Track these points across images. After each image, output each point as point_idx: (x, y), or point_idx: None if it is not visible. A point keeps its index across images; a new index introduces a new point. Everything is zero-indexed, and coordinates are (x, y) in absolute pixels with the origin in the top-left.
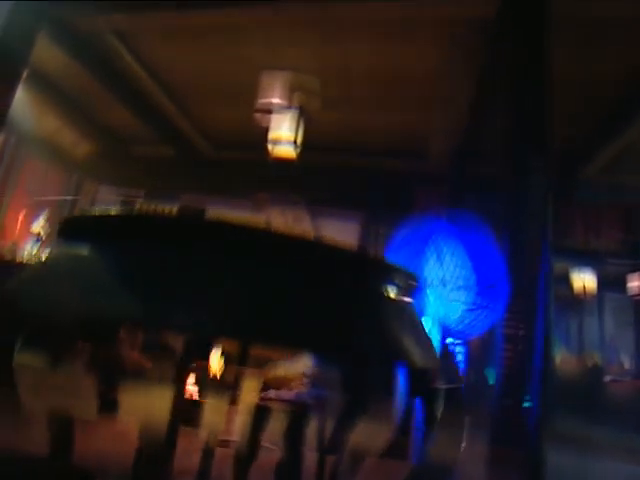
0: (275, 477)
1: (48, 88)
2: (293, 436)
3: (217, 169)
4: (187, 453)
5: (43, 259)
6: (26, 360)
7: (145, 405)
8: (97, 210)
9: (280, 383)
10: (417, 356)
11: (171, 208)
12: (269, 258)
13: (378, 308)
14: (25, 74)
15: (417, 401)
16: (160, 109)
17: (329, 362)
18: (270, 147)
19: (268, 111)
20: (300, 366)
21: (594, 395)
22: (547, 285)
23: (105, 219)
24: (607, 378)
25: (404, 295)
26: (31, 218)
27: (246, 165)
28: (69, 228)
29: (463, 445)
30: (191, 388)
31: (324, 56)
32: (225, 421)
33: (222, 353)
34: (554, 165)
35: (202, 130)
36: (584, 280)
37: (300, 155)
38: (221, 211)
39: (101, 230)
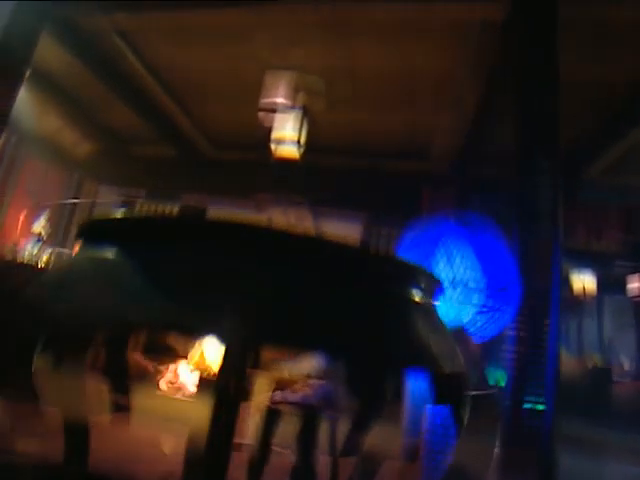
0: None
1: (49, 87)
2: (306, 439)
3: (218, 169)
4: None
5: (65, 262)
6: (47, 363)
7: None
8: (120, 212)
9: (287, 384)
10: (444, 361)
11: (172, 208)
12: (298, 262)
13: (405, 312)
14: (27, 73)
15: (444, 407)
16: (162, 108)
17: (356, 366)
18: (273, 147)
19: (272, 110)
20: (305, 367)
21: (597, 396)
22: (558, 286)
23: (130, 221)
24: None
25: (429, 298)
26: (32, 218)
27: (247, 165)
28: (92, 230)
29: (496, 452)
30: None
31: (329, 56)
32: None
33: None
34: (562, 166)
35: (204, 130)
36: (584, 281)
37: (303, 155)
38: (222, 211)
39: (127, 232)
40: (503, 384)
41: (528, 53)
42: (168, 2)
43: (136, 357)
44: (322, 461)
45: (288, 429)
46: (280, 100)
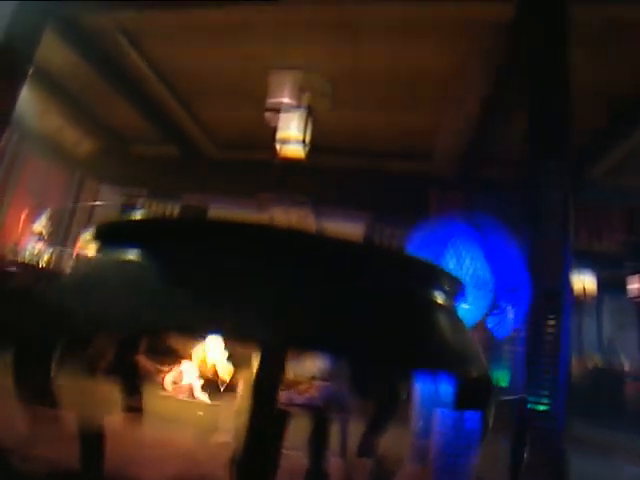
0: None
1: (51, 85)
2: (315, 441)
3: (221, 168)
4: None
5: (84, 264)
6: (65, 367)
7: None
8: (138, 214)
9: (292, 385)
10: (470, 365)
11: (174, 208)
12: (321, 264)
13: (431, 315)
14: (29, 72)
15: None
16: (164, 108)
17: (377, 369)
18: (278, 147)
19: (276, 110)
20: (309, 367)
21: (597, 396)
22: (569, 287)
23: (152, 223)
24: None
25: (452, 300)
26: (33, 217)
27: (250, 165)
28: (113, 232)
29: (525, 458)
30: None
31: (335, 56)
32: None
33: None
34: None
35: (206, 129)
36: (585, 281)
37: (307, 155)
38: (224, 211)
39: (150, 234)
40: (505, 384)
41: (539, 52)
42: (172, 1)
43: (141, 358)
44: (334, 463)
45: (297, 431)
46: (285, 100)
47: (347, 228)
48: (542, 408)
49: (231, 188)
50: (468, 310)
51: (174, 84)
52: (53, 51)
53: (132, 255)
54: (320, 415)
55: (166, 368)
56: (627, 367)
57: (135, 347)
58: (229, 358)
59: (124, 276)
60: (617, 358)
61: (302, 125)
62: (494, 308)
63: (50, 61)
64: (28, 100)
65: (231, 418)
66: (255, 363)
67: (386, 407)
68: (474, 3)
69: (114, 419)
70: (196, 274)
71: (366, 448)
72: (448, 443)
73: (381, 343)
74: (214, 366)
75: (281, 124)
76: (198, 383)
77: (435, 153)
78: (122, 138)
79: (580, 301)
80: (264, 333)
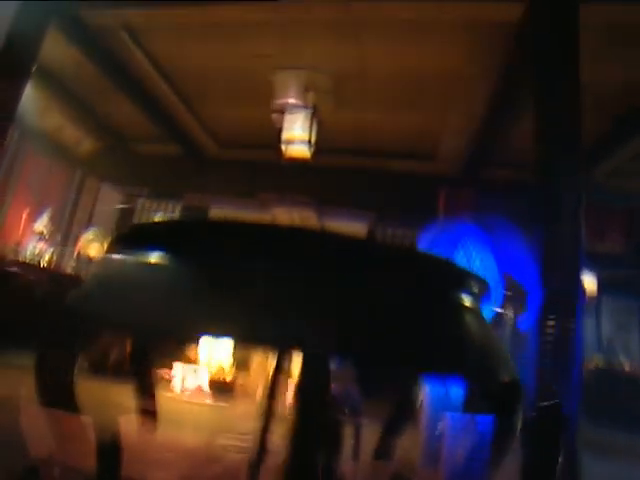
0: None
1: (52, 83)
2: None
3: (223, 168)
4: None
5: (111, 267)
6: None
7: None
8: (165, 217)
9: None
10: (500, 370)
11: (174, 207)
12: (363, 268)
13: (462, 319)
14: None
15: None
16: (166, 106)
17: (403, 372)
18: (283, 147)
19: (282, 111)
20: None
21: (598, 397)
22: (582, 288)
23: (185, 225)
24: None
25: (479, 304)
26: (34, 217)
27: (252, 164)
28: (143, 235)
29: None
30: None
31: (340, 55)
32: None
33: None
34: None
35: (208, 128)
36: (585, 282)
37: (312, 155)
38: (225, 211)
39: (183, 237)
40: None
41: (550, 52)
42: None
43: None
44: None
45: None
46: (290, 100)
47: (349, 228)
48: (554, 410)
49: (233, 188)
50: None
51: (177, 83)
52: (55, 48)
53: (166, 259)
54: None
55: (173, 370)
56: (627, 367)
57: (152, 350)
58: (235, 360)
59: (157, 280)
60: (617, 358)
61: (307, 125)
62: (504, 309)
63: (52, 59)
64: (29, 98)
65: (241, 420)
66: (259, 366)
67: (405, 409)
68: (481, 3)
69: (124, 421)
70: (233, 279)
71: (384, 451)
72: (460, 446)
73: (416, 348)
74: (220, 368)
75: (286, 124)
76: (205, 385)
77: (439, 153)
78: (124, 137)
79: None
80: (313, 340)
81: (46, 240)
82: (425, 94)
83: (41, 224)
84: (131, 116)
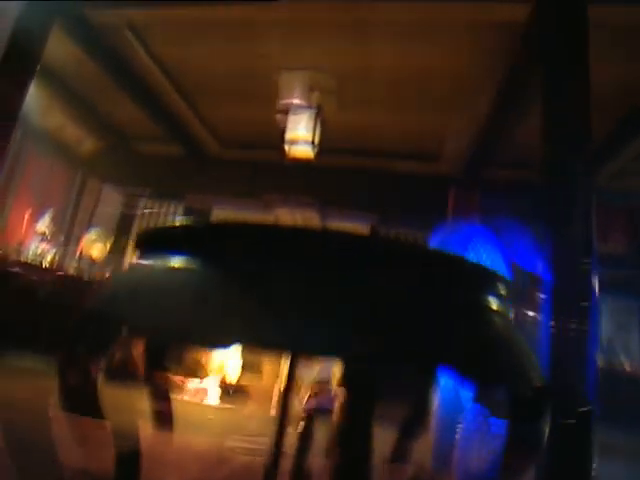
0: None
1: (55, 82)
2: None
3: (225, 168)
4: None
5: (137, 272)
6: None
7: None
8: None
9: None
10: (528, 375)
11: (176, 207)
12: (376, 268)
13: (492, 323)
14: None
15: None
16: (169, 105)
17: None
18: (287, 147)
19: (285, 111)
20: (323, 372)
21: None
22: (593, 288)
23: (206, 229)
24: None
25: (505, 306)
26: (36, 217)
27: (255, 164)
28: (168, 239)
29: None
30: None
31: (343, 56)
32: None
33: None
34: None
35: (211, 128)
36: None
37: (315, 156)
38: (227, 211)
39: (210, 241)
40: None
41: (558, 52)
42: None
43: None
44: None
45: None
46: (294, 100)
47: (352, 229)
48: (572, 412)
49: (235, 188)
50: None
51: (180, 82)
52: (57, 47)
53: (190, 263)
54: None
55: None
56: (627, 367)
57: (168, 353)
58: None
59: (182, 284)
60: (617, 358)
61: (311, 125)
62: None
63: (54, 57)
64: (32, 97)
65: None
66: (270, 368)
67: (422, 411)
68: (485, 3)
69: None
70: (267, 284)
71: (400, 453)
72: (472, 448)
73: (450, 353)
74: (228, 370)
75: (290, 124)
76: (213, 387)
77: (443, 154)
78: (126, 136)
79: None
80: (347, 345)
81: (48, 241)
82: (429, 95)
83: (43, 224)
84: (133, 115)
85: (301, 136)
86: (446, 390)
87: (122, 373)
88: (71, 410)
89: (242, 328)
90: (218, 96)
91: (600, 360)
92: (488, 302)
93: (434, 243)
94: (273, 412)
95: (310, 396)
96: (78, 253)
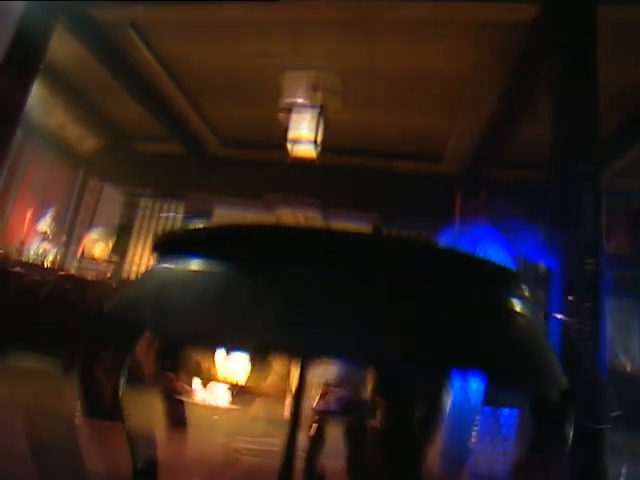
0: None
1: (56, 81)
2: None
3: (226, 167)
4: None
5: (158, 275)
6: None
7: None
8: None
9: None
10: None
11: (177, 206)
12: (411, 271)
13: (518, 327)
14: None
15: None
16: (171, 104)
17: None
18: (290, 146)
19: (288, 110)
20: (329, 373)
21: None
22: (604, 288)
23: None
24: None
25: (528, 307)
26: (38, 217)
27: (256, 164)
28: (184, 242)
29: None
30: None
31: (349, 55)
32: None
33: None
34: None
35: (213, 127)
36: None
37: (318, 155)
38: (228, 210)
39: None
40: None
41: (567, 53)
42: None
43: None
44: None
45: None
46: (297, 100)
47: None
48: (583, 415)
49: (237, 188)
50: None
51: (183, 81)
52: (60, 46)
53: (220, 266)
54: (352, 422)
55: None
56: (627, 367)
57: (177, 358)
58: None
59: (212, 288)
60: (617, 358)
61: (314, 125)
62: None
63: (56, 56)
64: (34, 95)
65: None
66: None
67: (434, 414)
68: (491, 4)
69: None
70: (297, 287)
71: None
72: (484, 449)
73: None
74: (233, 371)
75: (293, 124)
76: (219, 388)
77: (447, 154)
78: (127, 135)
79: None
80: (381, 352)
81: (50, 240)
82: (433, 95)
83: (45, 224)
84: (135, 114)
85: (304, 135)
86: (456, 391)
87: (131, 376)
88: (94, 415)
89: (271, 333)
90: (220, 95)
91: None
92: (513, 304)
93: (442, 244)
94: (281, 414)
95: (320, 398)
96: (80, 252)
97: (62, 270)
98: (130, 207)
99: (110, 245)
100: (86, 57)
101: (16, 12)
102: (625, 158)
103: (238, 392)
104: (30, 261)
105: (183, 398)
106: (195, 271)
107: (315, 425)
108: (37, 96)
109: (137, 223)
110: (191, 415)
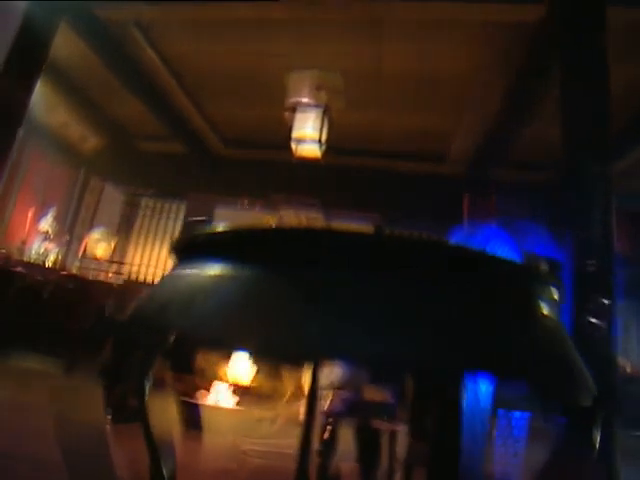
0: None
1: (59, 79)
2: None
3: (228, 167)
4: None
5: (185, 279)
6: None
7: None
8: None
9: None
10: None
11: (179, 206)
12: (439, 274)
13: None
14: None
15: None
16: (174, 103)
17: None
18: (294, 146)
19: (292, 109)
20: (335, 375)
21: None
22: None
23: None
24: None
25: (556, 310)
26: (39, 216)
27: (259, 164)
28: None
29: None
30: None
31: (354, 56)
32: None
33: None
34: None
35: (215, 127)
36: None
37: (322, 155)
38: (229, 211)
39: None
40: None
41: (577, 54)
42: None
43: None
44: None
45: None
46: (302, 99)
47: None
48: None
49: (239, 187)
50: None
51: (185, 80)
52: (63, 44)
53: (246, 270)
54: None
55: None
56: (627, 367)
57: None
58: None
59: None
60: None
61: (318, 124)
62: None
63: (59, 54)
64: (36, 94)
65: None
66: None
67: (446, 415)
68: (497, 4)
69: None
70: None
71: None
72: (496, 451)
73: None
74: (239, 372)
75: (297, 123)
76: (225, 389)
77: (451, 155)
78: (129, 134)
79: None
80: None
81: (51, 240)
82: (438, 95)
83: (46, 223)
84: (137, 113)
85: (308, 135)
86: (468, 393)
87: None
88: (122, 421)
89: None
90: (223, 95)
91: None
92: (541, 306)
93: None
94: (289, 416)
95: (331, 400)
96: (81, 252)
97: (64, 270)
98: (131, 207)
99: (112, 245)
100: (89, 56)
101: (19, 11)
102: (626, 159)
103: (248, 393)
104: (31, 261)
105: (199, 401)
106: (221, 275)
107: (328, 428)
108: (39, 94)
109: (138, 223)
110: (215, 420)
